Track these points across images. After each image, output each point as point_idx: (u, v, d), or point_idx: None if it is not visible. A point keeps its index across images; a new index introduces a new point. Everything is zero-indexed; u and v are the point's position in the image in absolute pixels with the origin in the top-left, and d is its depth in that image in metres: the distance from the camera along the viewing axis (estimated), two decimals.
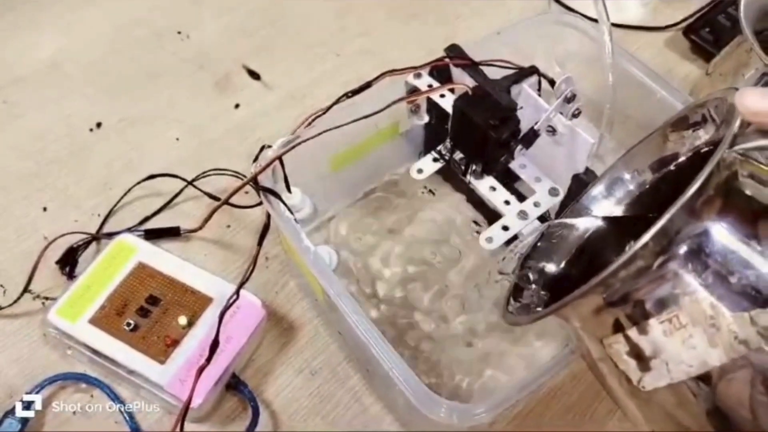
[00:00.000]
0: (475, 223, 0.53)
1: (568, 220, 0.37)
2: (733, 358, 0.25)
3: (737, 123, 0.27)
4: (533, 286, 0.36)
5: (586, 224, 0.37)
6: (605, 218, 0.37)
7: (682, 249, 0.26)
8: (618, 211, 0.37)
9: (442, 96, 0.45)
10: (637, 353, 0.27)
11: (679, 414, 0.27)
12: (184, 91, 0.62)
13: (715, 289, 0.25)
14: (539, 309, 0.35)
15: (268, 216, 0.42)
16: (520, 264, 0.37)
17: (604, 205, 0.37)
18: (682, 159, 0.34)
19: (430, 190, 0.54)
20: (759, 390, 0.25)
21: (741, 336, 0.25)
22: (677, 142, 0.34)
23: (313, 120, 0.44)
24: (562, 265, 0.37)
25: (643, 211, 0.36)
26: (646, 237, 0.25)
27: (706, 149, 0.32)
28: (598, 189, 0.38)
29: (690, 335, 0.26)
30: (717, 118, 0.32)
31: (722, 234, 0.26)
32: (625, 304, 0.27)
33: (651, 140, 0.36)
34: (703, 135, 0.33)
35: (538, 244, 0.38)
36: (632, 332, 0.27)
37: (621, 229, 0.37)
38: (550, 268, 0.37)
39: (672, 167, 0.35)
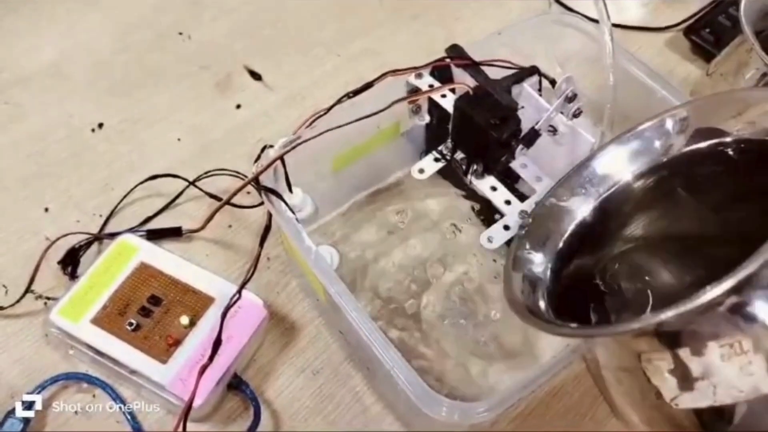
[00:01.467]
0: (477, 220, 0.53)
1: (550, 202, 0.37)
2: None
3: None
4: (534, 264, 0.35)
5: (579, 206, 0.37)
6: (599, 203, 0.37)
7: (759, 291, 0.25)
8: (627, 174, 0.36)
9: (443, 96, 0.45)
10: (682, 373, 0.26)
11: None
12: (185, 92, 0.63)
13: None
14: (545, 278, 0.34)
15: (270, 216, 0.43)
16: (518, 243, 0.37)
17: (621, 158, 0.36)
18: (727, 140, 0.33)
19: (403, 210, 0.53)
20: None
21: None
22: (749, 121, 0.32)
23: (315, 120, 0.44)
24: (565, 237, 0.36)
25: (646, 191, 0.36)
26: (725, 286, 0.23)
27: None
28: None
29: (749, 362, 0.25)
30: None
31: None
32: (681, 335, 0.26)
33: (729, 100, 0.34)
34: None
35: (533, 224, 0.38)
36: (683, 352, 0.26)
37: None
38: (551, 244, 0.36)
39: (704, 146, 0.34)
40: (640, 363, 0.28)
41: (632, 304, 0.38)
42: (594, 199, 0.37)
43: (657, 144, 0.36)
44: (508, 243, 0.42)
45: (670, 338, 0.26)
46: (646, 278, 0.39)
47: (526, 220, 0.39)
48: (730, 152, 0.33)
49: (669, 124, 0.36)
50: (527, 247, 0.37)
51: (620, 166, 0.37)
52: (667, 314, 0.24)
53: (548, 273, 0.35)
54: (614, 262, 0.38)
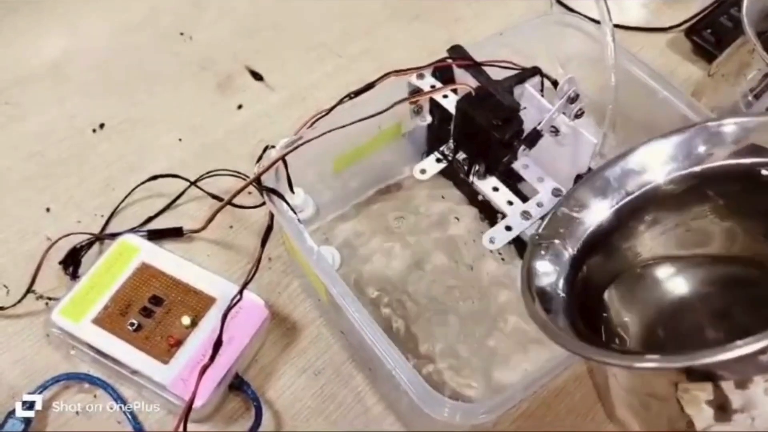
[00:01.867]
0: (479, 221, 0.53)
1: (571, 213, 0.37)
2: None
3: None
4: (549, 276, 0.35)
5: (595, 216, 0.36)
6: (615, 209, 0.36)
7: None
8: (660, 176, 0.36)
9: (445, 96, 0.45)
10: (721, 404, 0.26)
11: None
12: (186, 92, 0.63)
13: None
14: (559, 291, 0.34)
15: (271, 216, 0.43)
16: (531, 255, 0.36)
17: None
18: None
19: (404, 211, 0.53)
20: None
21: None
22: None
23: (316, 121, 0.44)
24: (580, 247, 0.36)
25: (672, 198, 0.35)
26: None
27: None
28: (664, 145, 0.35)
29: None
30: None
31: None
32: (726, 370, 0.26)
33: None
34: None
35: (552, 221, 0.37)
36: (727, 384, 0.26)
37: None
38: (572, 242, 0.36)
39: (747, 162, 0.33)
40: (675, 392, 0.27)
41: (646, 320, 0.38)
42: (612, 205, 0.36)
43: (701, 149, 0.35)
44: (513, 244, 0.42)
45: (714, 372, 0.26)
46: (660, 291, 0.38)
47: (538, 232, 0.38)
48: None
49: (729, 129, 0.34)
50: (542, 259, 0.36)
51: (656, 166, 0.36)
52: (711, 359, 0.24)
53: (563, 285, 0.35)
54: (628, 272, 0.38)
